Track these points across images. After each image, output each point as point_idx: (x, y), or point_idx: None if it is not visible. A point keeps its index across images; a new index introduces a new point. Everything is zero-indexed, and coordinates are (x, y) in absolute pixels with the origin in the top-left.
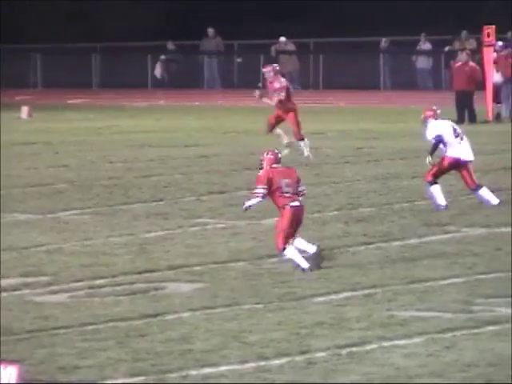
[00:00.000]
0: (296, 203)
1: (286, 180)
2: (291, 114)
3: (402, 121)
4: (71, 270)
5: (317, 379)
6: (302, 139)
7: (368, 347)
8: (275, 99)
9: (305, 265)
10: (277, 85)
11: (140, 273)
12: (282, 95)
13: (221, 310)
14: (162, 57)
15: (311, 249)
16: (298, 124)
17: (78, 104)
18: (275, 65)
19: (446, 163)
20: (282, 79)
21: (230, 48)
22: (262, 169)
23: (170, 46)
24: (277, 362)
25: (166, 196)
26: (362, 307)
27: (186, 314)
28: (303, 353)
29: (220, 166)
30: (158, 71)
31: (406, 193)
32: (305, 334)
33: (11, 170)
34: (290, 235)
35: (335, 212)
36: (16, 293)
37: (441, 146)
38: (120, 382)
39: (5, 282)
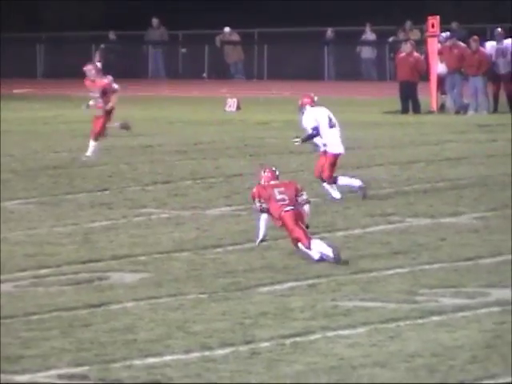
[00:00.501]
0: (290, 207)
1: (279, 189)
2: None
3: (347, 111)
4: (16, 259)
5: (261, 369)
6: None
7: (312, 337)
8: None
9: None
10: (98, 83)
11: (84, 262)
12: (116, 87)
13: (165, 300)
14: (102, 46)
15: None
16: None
17: (23, 94)
18: (98, 63)
19: (333, 159)
20: (108, 77)
21: (174, 38)
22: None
23: (112, 35)
24: (221, 351)
25: (111, 186)
26: (306, 297)
27: (130, 304)
28: (247, 343)
29: (165, 156)
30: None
31: None
32: (249, 324)
33: None
34: (305, 233)
35: None
36: None
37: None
38: (64, 371)
39: None
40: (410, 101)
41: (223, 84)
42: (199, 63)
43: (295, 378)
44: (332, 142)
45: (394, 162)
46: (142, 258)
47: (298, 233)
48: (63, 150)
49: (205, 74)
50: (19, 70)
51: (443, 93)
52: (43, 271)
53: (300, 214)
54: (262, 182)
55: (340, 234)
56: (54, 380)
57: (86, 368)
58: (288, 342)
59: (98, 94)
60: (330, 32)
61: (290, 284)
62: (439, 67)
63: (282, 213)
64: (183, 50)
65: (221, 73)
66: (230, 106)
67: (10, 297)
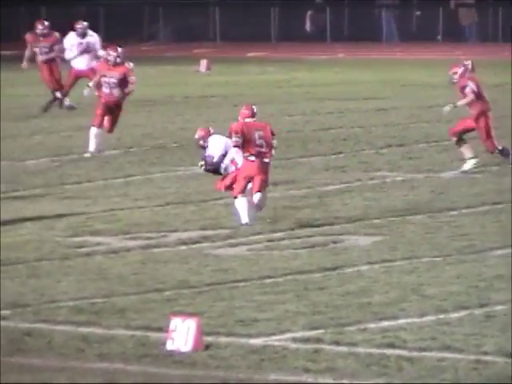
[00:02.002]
0: (252, 158)
1: (260, 132)
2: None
3: None
4: None
5: (495, 332)
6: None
7: None
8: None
9: (244, 220)
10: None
11: (319, 226)
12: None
13: (399, 263)
14: (310, 12)
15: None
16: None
17: (257, 57)
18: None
19: None
20: (130, 64)
21: (408, 1)
22: None
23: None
24: (456, 315)
25: (345, 149)
26: None
27: (364, 267)
28: (482, 306)
29: (398, 119)
30: (308, 25)
31: None
32: (484, 287)
33: (188, 123)
34: (243, 186)
35: None
36: (195, 246)
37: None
38: (299, 334)
39: (184, 235)
40: None
41: (457, 46)
42: (433, 26)
43: None
44: None
45: None
46: (376, 221)
47: (239, 185)
48: (297, 114)
49: (439, 37)
50: (253, 34)
51: None
52: (277, 234)
53: (266, 168)
54: (239, 118)
55: None
56: (288, 343)
57: (320, 331)
58: None
59: (114, 80)
60: None
61: None
62: None
63: (248, 157)
64: (417, 13)
65: (455, 35)
66: None
67: (244, 260)
